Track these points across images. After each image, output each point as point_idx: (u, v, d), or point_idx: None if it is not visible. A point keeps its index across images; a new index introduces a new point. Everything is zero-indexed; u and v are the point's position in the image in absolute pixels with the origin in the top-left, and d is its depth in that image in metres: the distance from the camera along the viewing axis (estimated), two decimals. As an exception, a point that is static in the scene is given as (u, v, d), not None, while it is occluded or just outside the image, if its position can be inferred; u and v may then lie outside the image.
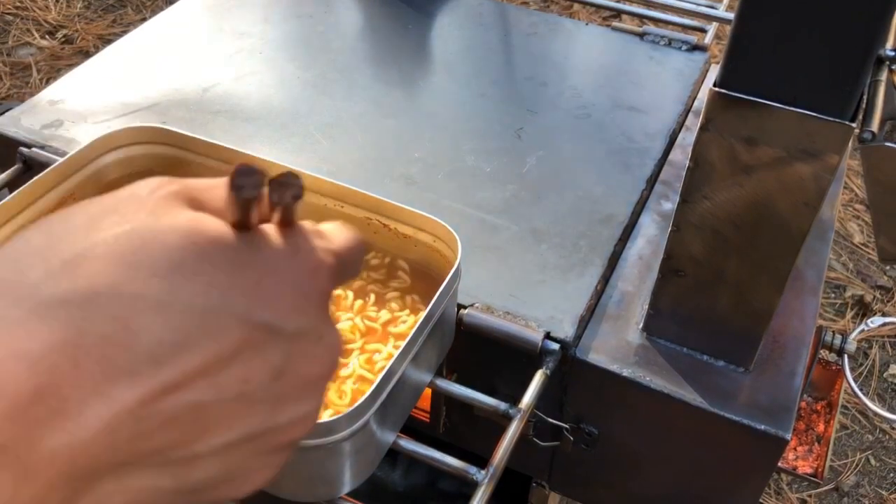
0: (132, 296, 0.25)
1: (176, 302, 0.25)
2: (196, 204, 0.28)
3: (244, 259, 0.27)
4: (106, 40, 2.48)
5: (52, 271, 0.25)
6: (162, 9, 1.18)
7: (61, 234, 0.26)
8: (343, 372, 0.64)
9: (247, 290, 0.27)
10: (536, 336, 0.71)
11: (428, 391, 0.70)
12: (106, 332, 0.24)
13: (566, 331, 0.73)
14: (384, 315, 0.68)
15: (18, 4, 2.63)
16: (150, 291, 0.25)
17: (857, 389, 0.92)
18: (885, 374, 1.68)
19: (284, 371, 0.28)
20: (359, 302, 0.68)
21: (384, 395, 0.57)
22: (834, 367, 1.06)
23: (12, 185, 0.84)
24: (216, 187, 0.30)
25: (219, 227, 0.27)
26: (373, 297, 0.69)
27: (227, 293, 0.26)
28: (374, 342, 0.66)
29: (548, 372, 0.70)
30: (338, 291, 0.69)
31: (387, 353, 0.65)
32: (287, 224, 0.30)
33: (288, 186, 0.28)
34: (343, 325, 0.67)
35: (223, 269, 0.27)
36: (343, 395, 0.62)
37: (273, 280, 0.28)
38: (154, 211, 0.27)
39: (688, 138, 0.98)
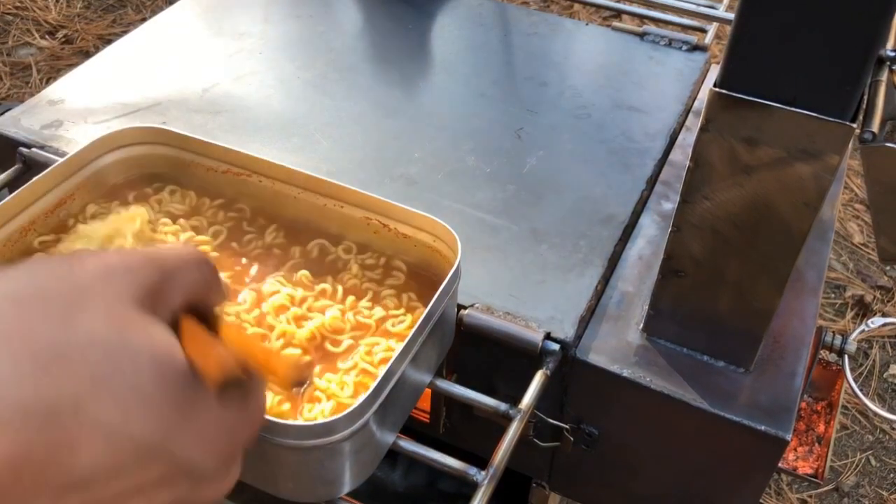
0: (89, 417, 0.27)
1: (125, 432, 0.27)
2: (162, 300, 0.32)
3: (199, 402, 0.30)
4: (106, 40, 2.48)
5: (23, 372, 0.26)
6: (162, 9, 1.18)
7: (38, 318, 0.28)
8: (344, 365, 0.64)
9: (190, 433, 0.30)
10: (536, 336, 0.71)
11: (428, 391, 0.70)
12: (52, 449, 0.26)
13: (566, 331, 0.73)
14: (378, 312, 0.68)
15: (18, 4, 2.63)
16: (105, 417, 0.27)
17: (857, 390, 0.92)
18: (885, 375, 1.68)
19: (186, 500, 0.31)
20: (350, 298, 0.68)
21: (384, 396, 0.57)
22: (834, 368, 1.06)
23: (12, 185, 0.84)
24: (181, 284, 0.33)
25: (184, 362, 0.30)
26: (370, 293, 0.69)
27: (172, 431, 0.29)
28: (369, 336, 0.66)
29: (548, 372, 0.70)
30: (324, 285, 0.69)
31: (385, 346, 0.65)
32: (246, 372, 0.33)
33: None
34: (332, 314, 0.67)
35: (178, 406, 0.29)
36: (345, 387, 0.63)
37: (216, 428, 0.31)
38: (130, 319, 0.29)
39: (688, 138, 0.98)
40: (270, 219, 0.75)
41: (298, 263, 0.72)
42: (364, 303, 0.68)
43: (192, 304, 0.34)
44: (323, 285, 0.69)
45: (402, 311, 0.68)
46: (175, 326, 0.33)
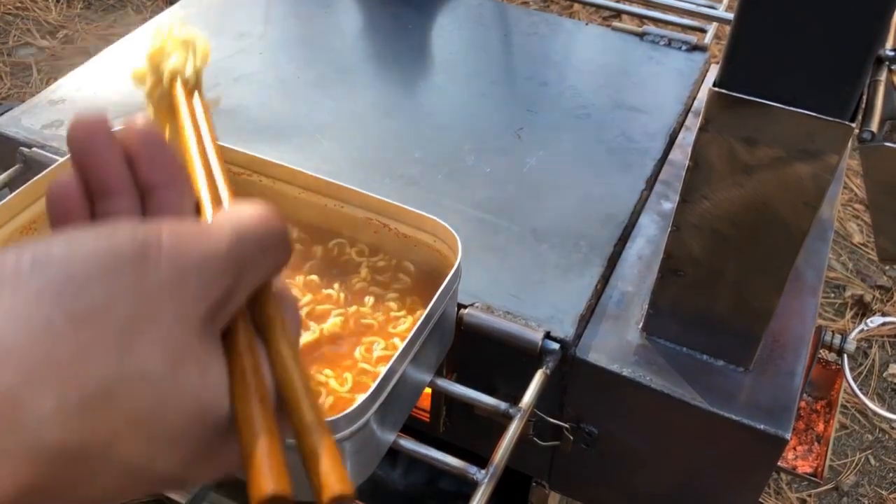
0: (117, 458, 0.25)
1: (147, 470, 0.26)
2: (228, 306, 0.28)
3: (225, 447, 0.28)
4: (106, 40, 2.48)
5: (67, 411, 0.24)
6: (162, 9, 1.18)
7: (95, 344, 0.24)
8: (343, 361, 0.65)
9: (208, 468, 0.29)
10: (536, 336, 0.71)
11: (428, 391, 0.70)
12: (71, 484, 0.25)
13: (566, 330, 0.73)
14: (380, 316, 0.68)
15: (18, 4, 2.63)
16: (133, 458, 0.25)
17: (856, 389, 0.92)
18: (884, 374, 1.68)
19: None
20: (354, 307, 0.69)
21: (384, 395, 0.57)
22: (833, 367, 1.06)
23: (12, 185, 0.84)
24: (253, 280, 0.29)
25: (227, 410, 0.28)
26: (371, 299, 0.69)
27: (191, 470, 0.28)
28: (370, 336, 0.67)
29: (548, 371, 0.70)
30: (329, 291, 0.70)
31: (384, 345, 0.66)
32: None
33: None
34: (334, 321, 0.67)
35: (205, 450, 0.28)
36: (344, 382, 0.63)
37: (231, 461, 0.29)
38: (188, 351, 0.26)
39: (688, 138, 0.98)
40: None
41: (314, 265, 0.72)
42: (366, 307, 0.69)
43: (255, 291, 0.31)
44: (328, 291, 0.70)
45: (403, 312, 0.68)
46: (229, 331, 0.30)
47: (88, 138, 0.31)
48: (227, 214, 0.29)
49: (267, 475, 0.26)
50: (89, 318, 0.24)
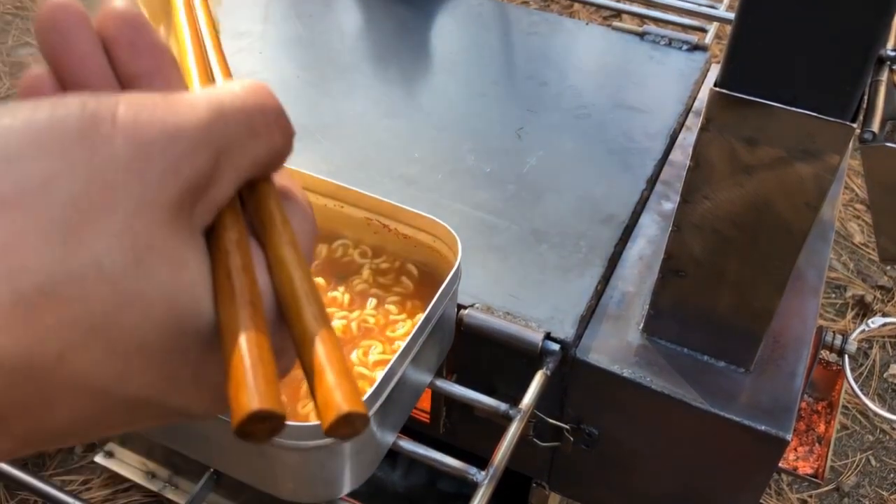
0: (74, 374, 0.21)
1: (118, 392, 0.22)
2: (209, 193, 0.24)
3: (211, 359, 0.24)
4: (106, 40, 2.48)
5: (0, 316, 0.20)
6: (162, 9, 1.18)
7: (32, 236, 0.21)
8: None
9: (193, 389, 0.24)
10: (537, 336, 0.71)
11: (428, 391, 0.70)
12: (22, 406, 0.21)
13: (566, 331, 0.73)
14: (381, 319, 0.68)
15: (18, 4, 2.63)
16: (96, 374, 0.21)
17: (857, 390, 0.92)
18: (885, 375, 1.68)
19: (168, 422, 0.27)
20: (356, 312, 0.69)
21: (384, 396, 0.57)
22: (834, 368, 1.06)
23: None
24: (241, 164, 0.24)
25: (210, 317, 0.23)
26: (373, 301, 0.69)
27: (172, 392, 0.24)
28: (368, 339, 0.67)
29: (548, 372, 0.70)
30: (335, 293, 0.69)
31: (381, 349, 0.65)
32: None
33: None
34: (336, 324, 0.67)
35: (186, 367, 0.23)
36: None
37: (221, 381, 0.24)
38: (156, 241, 0.22)
39: (688, 138, 0.98)
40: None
41: (319, 265, 0.72)
42: (369, 310, 0.69)
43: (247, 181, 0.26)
44: (333, 293, 0.70)
45: (403, 316, 0.68)
46: (215, 229, 0.25)
47: (58, 25, 0.26)
48: (208, 88, 0.25)
49: (251, 388, 0.21)
50: (20, 203, 0.20)
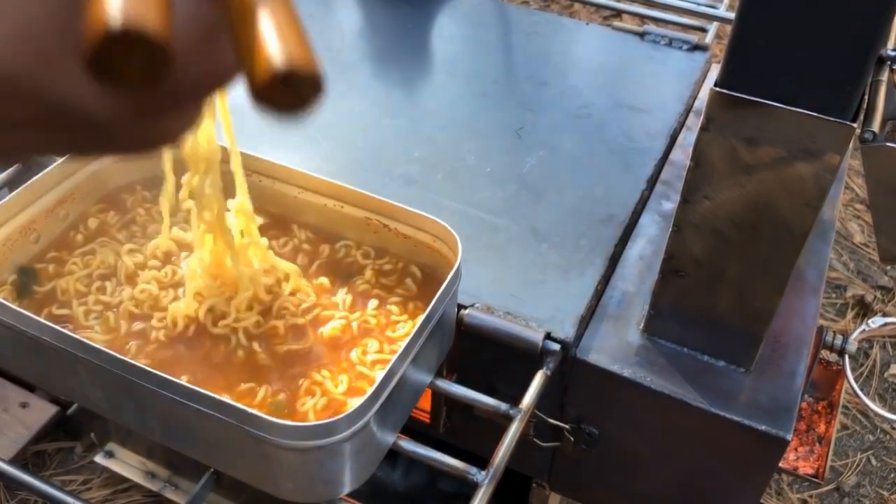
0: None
1: None
2: None
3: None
4: (106, 40, 2.47)
5: None
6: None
7: None
8: (340, 363, 0.65)
9: (75, 74, 0.21)
10: (537, 336, 0.71)
11: (428, 391, 0.70)
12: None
13: (567, 331, 0.73)
14: (381, 320, 0.68)
15: None
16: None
17: (857, 390, 0.92)
18: (885, 375, 1.68)
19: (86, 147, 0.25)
20: (357, 313, 0.69)
21: (384, 396, 0.57)
22: (835, 368, 1.06)
23: (12, 184, 0.84)
24: None
25: None
26: (375, 302, 0.69)
27: (48, 71, 0.21)
28: (368, 338, 0.67)
29: (548, 372, 0.70)
30: (336, 299, 0.70)
31: (378, 347, 0.65)
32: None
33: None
34: (336, 325, 0.67)
35: (61, 38, 0.20)
36: (339, 384, 0.63)
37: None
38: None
39: (688, 138, 0.98)
40: (272, 217, 0.75)
41: (322, 264, 0.72)
42: (370, 311, 0.69)
43: None
44: (334, 298, 0.70)
45: (405, 317, 0.68)
46: None
47: None
48: None
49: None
50: None
